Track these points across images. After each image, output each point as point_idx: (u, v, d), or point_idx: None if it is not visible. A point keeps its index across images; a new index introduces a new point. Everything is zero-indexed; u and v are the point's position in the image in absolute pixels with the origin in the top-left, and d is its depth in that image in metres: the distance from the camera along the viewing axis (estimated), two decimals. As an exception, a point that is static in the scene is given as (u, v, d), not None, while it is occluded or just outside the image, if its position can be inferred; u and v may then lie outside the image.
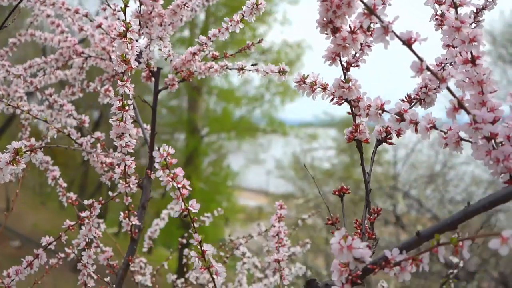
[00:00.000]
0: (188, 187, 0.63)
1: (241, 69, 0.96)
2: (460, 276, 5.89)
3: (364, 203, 0.69)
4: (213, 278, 0.65)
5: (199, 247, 0.65)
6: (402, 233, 6.50)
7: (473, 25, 0.72)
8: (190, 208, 0.63)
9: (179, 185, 0.62)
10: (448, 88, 0.51)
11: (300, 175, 9.57)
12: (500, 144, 0.52)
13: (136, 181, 0.91)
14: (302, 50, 10.62)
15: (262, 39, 0.99)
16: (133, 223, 0.97)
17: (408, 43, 0.51)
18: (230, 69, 0.97)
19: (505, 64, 8.54)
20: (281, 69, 0.84)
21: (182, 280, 1.35)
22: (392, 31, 0.50)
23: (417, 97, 0.69)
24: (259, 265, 1.37)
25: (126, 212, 0.96)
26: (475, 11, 0.72)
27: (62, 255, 1.12)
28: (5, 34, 1.13)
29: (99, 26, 1.07)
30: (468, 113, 0.51)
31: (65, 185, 1.10)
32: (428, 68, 0.50)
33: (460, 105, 0.52)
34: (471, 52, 0.54)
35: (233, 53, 0.99)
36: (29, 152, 0.67)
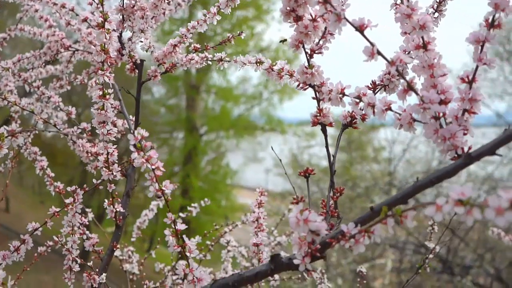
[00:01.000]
0: (162, 169, 0.66)
1: (220, 60, 0.99)
2: (455, 271, 5.93)
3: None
4: (186, 256, 0.68)
5: (173, 226, 0.69)
6: (398, 229, 6.55)
7: (436, 14, 0.76)
8: (164, 188, 0.67)
9: (154, 167, 0.66)
10: (398, 71, 0.55)
11: (297, 173, 9.57)
12: (449, 124, 0.56)
13: (119, 169, 0.94)
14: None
15: (241, 32, 1.02)
16: (117, 210, 1.01)
17: (360, 29, 0.54)
18: (210, 60, 1.01)
19: (502, 61, 8.56)
20: (258, 60, 0.87)
21: (169, 267, 1.38)
22: (345, 18, 0.53)
23: (382, 83, 0.72)
24: (245, 254, 1.41)
25: (111, 199, 0.99)
26: (438, 0, 0.76)
27: (50, 243, 1.15)
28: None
29: (85, 20, 1.10)
30: (417, 94, 0.55)
31: (52, 174, 1.13)
32: (378, 52, 0.54)
33: (409, 87, 0.55)
34: (422, 38, 0.57)
35: (214, 46, 1.02)
36: (10, 137, 0.70)
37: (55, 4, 1.15)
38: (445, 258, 6.37)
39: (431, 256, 1.09)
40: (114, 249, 1.03)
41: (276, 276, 1.31)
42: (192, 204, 1.36)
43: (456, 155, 0.54)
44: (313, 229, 0.54)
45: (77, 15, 1.14)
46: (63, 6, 1.14)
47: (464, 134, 0.55)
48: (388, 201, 0.54)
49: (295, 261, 0.58)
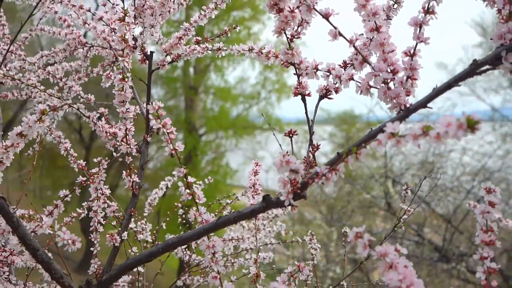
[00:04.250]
0: (175, 133, 0.83)
1: (219, 49, 1.16)
2: (451, 258, 6.09)
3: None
4: (196, 202, 0.85)
5: (185, 180, 0.86)
6: (395, 218, 6.72)
7: (395, 5, 0.93)
8: (177, 147, 0.84)
9: (168, 131, 0.83)
10: (355, 48, 0.72)
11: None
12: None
13: (136, 143, 1.12)
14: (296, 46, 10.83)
15: (237, 25, 1.19)
16: (134, 180, 1.18)
17: (326, 16, 0.71)
18: (210, 50, 1.18)
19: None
20: (250, 48, 1.04)
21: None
22: (314, 8, 0.71)
23: (351, 62, 0.89)
24: (246, 225, 1.58)
25: (128, 170, 1.17)
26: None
27: (74, 214, 1.32)
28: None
29: (101, 18, 1.27)
30: (370, 65, 0.72)
31: (75, 154, 1.30)
32: (340, 34, 0.71)
33: (364, 59, 0.72)
34: (375, 22, 0.74)
35: (213, 38, 1.20)
36: (52, 111, 0.87)
37: (73, 5, 1.32)
38: (441, 247, 6.54)
39: (405, 216, 1.26)
40: (132, 214, 1.19)
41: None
42: (198, 182, 1.52)
43: (400, 110, 0.71)
44: (293, 168, 0.71)
45: (93, 14, 1.31)
46: (81, 7, 1.31)
47: (407, 95, 0.72)
48: (354, 145, 0.71)
49: (281, 198, 0.75)
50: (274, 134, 1.13)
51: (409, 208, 1.28)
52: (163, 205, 8.86)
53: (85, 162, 1.27)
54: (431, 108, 0.68)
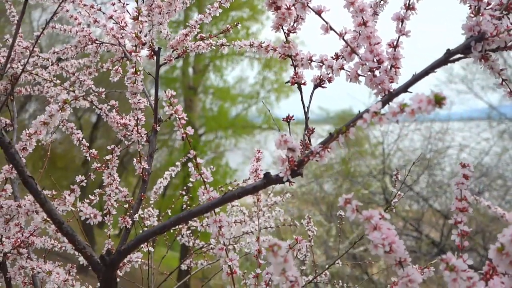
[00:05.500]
0: (185, 118, 0.93)
1: (222, 45, 1.26)
2: (445, 251, 6.19)
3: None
4: (204, 180, 0.94)
5: (194, 161, 0.95)
6: (394, 216, 6.83)
7: (382, 2, 1.03)
8: (187, 131, 0.93)
9: (180, 117, 0.92)
10: (344, 40, 0.81)
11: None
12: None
13: (146, 132, 1.21)
14: (298, 39, 10.96)
15: (238, 23, 1.29)
16: (144, 167, 1.27)
17: (319, 13, 0.81)
18: (214, 46, 1.27)
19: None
20: (251, 43, 1.13)
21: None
22: (308, 6, 0.80)
23: (341, 54, 0.98)
24: (246, 212, 1.67)
25: (139, 157, 1.26)
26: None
27: (87, 200, 1.41)
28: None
29: (111, 17, 1.37)
30: (358, 55, 0.82)
31: (87, 144, 1.39)
32: (331, 28, 0.80)
33: (352, 51, 0.82)
34: (363, 18, 0.84)
35: (216, 34, 1.29)
36: (74, 100, 0.96)
37: (85, 5, 1.42)
38: (439, 242, 6.65)
39: (395, 200, 1.36)
40: (142, 198, 1.29)
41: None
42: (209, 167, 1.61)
43: (384, 95, 0.80)
44: (290, 146, 0.80)
45: (104, 13, 1.40)
46: (92, 6, 1.40)
47: (391, 82, 0.81)
48: (344, 125, 0.80)
49: (280, 174, 0.84)
50: (278, 129, 1.22)
51: (399, 193, 1.37)
52: (163, 205, 8.96)
53: (93, 152, 1.36)
54: (411, 92, 0.77)
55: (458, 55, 0.75)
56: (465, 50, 0.73)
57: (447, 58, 0.75)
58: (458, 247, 0.79)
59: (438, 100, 0.57)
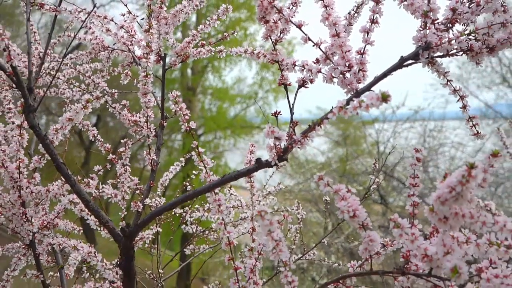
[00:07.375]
0: (189, 114, 1.11)
1: (220, 51, 1.44)
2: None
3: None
4: (205, 166, 1.12)
5: (196, 150, 1.13)
6: (389, 211, 7.02)
7: (355, 14, 1.21)
8: (191, 125, 1.11)
9: (184, 113, 1.10)
10: (320, 49, 1.00)
11: (295, 169, 10.01)
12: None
13: (155, 127, 1.39)
14: (293, 47, 11.15)
15: (234, 31, 1.47)
16: (153, 158, 1.45)
17: (299, 26, 0.99)
18: (213, 52, 1.45)
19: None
20: (246, 50, 1.31)
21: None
22: (290, 21, 0.98)
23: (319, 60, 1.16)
24: (243, 202, 1.85)
25: (148, 150, 1.44)
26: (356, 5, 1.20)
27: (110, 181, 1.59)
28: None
29: (122, 27, 1.55)
30: (331, 61, 1.00)
31: (102, 140, 1.57)
32: (309, 39, 0.99)
33: (327, 57, 1.00)
34: (336, 30, 1.02)
35: (215, 41, 1.47)
36: (96, 100, 1.14)
37: (98, 16, 1.60)
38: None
39: (374, 186, 1.53)
40: (151, 185, 1.47)
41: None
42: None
43: (353, 93, 0.99)
44: (277, 136, 0.98)
45: (116, 23, 1.58)
46: (105, 17, 1.59)
47: (358, 83, 1.00)
48: (317, 119, 0.98)
49: (269, 159, 1.03)
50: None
51: (377, 180, 1.55)
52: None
53: (107, 146, 1.54)
54: (373, 91, 0.96)
55: (410, 61, 0.93)
56: (414, 56, 0.92)
57: (401, 63, 0.93)
58: (410, 214, 0.97)
59: (385, 97, 0.76)
